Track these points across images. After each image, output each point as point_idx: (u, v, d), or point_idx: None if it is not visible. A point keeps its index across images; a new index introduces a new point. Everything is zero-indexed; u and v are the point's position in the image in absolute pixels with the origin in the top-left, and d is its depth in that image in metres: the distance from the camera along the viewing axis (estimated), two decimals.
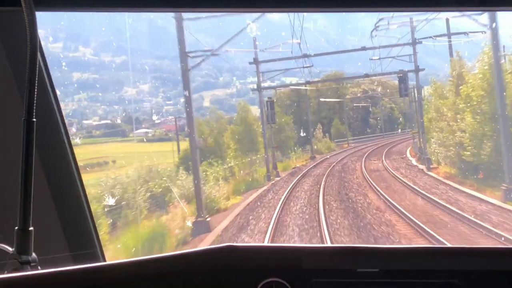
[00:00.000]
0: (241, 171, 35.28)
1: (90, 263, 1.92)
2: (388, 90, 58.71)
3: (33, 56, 1.76)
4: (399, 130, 61.28)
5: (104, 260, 2.74)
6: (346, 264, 1.99)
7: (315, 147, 48.72)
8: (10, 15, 2.19)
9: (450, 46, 33.23)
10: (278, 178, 34.55)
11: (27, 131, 1.76)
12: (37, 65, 1.78)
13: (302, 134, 48.73)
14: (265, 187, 30.87)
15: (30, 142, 1.76)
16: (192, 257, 2.01)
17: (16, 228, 1.75)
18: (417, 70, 36.42)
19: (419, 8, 2.17)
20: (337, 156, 44.52)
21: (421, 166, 32.29)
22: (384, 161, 37.21)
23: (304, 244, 2.31)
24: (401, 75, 37.03)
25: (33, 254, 1.77)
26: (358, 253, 2.04)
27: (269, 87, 43.52)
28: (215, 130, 38.30)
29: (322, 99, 54.40)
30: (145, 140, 44.31)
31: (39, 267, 1.77)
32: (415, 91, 38.36)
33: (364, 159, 39.34)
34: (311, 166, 38.76)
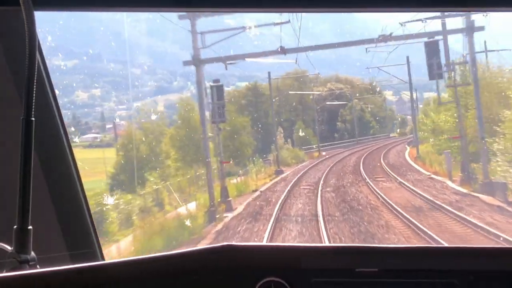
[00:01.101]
0: (171, 201, 24.34)
1: (88, 262, 1.92)
2: (357, 89, 53.73)
3: (32, 56, 1.76)
4: (384, 135, 55.60)
5: (103, 259, 2.74)
6: (345, 263, 1.99)
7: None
8: (9, 14, 2.19)
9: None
10: (228, 216, 20.91)
11: (26, 130, 1.76)
12: (36, 65, 1.78)
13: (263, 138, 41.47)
14: (201, 244, 17.43)
15: (28, 142, 1.76)
16: (190, 257, 2.01)
17: (15, 227, 1.75)
18: (471, 28, 23.97)
19: (419, 9, 2.17)
20: (314, 171, 33.73)
21: (485, 198, 19.26)
22: (400, 184, 25.54)
23: (303, 244, 2.31)
24: (432, 40, 24.53)
25: (32, 253, 1.77)
26: (357, 253, 2.04)
27: (213, 59, 28.05)
28: (152, 134, 29.34)
29: (291, 92, 47.77)
30: (92, 145, 40.34)
31: (37, 266, 1.77)
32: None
33: (362, 176, 28.89)
34: (281, 187, 27.70)
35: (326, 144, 49.23)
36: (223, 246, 2.01)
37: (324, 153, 45.79)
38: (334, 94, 52.36)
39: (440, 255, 2.00)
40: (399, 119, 59.18)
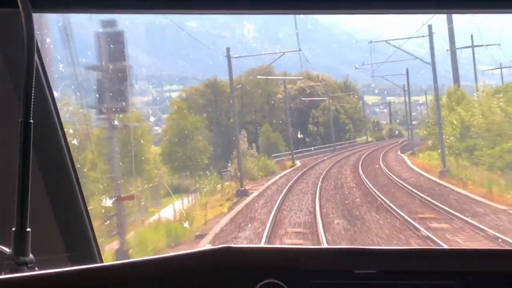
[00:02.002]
0: None
1: (87, 264, 1.93)
2: (331, 88, 47.71)
3: (30, 58, 1.76)
4: (361, 139, 50.55)
5: (101, 261, 2.74)
6: (343, 265, 1.99)
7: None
8: (8, 16, 2.19)
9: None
10: None
11: (24, 132, 1.76)
12: (34, 67, 1.78)
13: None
14: None
15: (27, 144, 1.76)
16: (189, 259, 2.01)
17: (13, 229, 1.75)
18: None
19: (418, 10, 2.17)
20: (297, 192, 22.78)
21: None
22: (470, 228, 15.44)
23: (301, 246, 2.31)
24: None
25: (30, 255, 1.77)
26: (356, 255, 2.04)
27: None
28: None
29: (259, 89, 42.58)
30: None
31: (36, 268, 1.77)
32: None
33: (393, 212, 17.52)
34: (249, 231, 16.39)
35: (298, 151, 41.64)
36: (221, 248, 2.01)
37: (298, 163, 37.44)
38: (305, 92, 46.05)
39: (438, 256, 2.00)
40: (375, 122, 54.34)
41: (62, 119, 2.54)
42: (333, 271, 1.98)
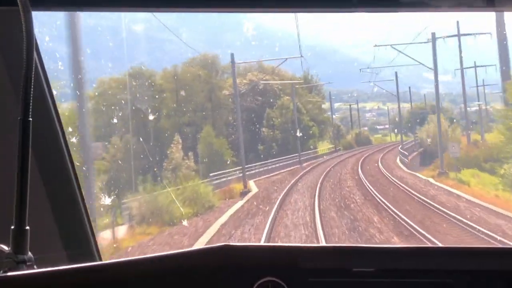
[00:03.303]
0: None
1: (86, 262, 1.93)
2: (288, 84, 38.79)
3: (30, 56, 1.76)
4: (329, 147, 42.52)
5: (100, 260, 2.74)
6: (342, 263, 1.99)
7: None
8: (6, 14, 2.19)
9: None
10: None
11: (23, 130, 1.76)
12: (34, 65, 1.78)
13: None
14: None
15: (26, 142, 1.76)
16: (188, 257, 2.01)
17: (12, 227, 1.75)
18: None
19: (419, 9, 2.18)
20: None
21: None
22: None
23: (300, 244, 2.32)
24: None
25: (29, 254, 1.77)
26: (354, 253, 2.05)
27: None
28: None
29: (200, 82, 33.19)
30: None
31: (35, 267, 1.77)
32: None
33: None
34: None
35: (251, 165, 31.14)
36: (220, 246, 2.02)
37: (252, 186, 25.78)
38: (257, 88, 37.11)
39: (437, 255, 2.01)
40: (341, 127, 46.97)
41: (61, 117, 2.54)
42: (331, 269, 1.99)
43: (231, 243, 2.04)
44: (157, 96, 30.41)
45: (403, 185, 23.07)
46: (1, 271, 1.72)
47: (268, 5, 2.11)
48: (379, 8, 2.14)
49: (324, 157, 39.06)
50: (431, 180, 23.95)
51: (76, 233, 2.61)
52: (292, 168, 32.98)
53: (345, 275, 1.96)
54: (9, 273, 1.70)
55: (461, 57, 34.65)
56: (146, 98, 29.16)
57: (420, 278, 1.93)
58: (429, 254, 2.02)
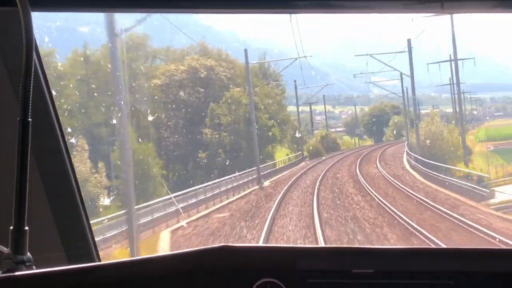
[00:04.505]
0: None
1: (84, 263, 1.93)
2: (240, 73, 30.21)
3: (29, 56, 1.76)
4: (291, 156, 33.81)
5: (99, 260, 2.74)
6: (341, 264, 1.99)
7: None
8: (6, 15, 2.19)
9: None
10: None
11: (23, 131, 1.76)
12: (33, 65, 1.78)
13: None
14: None
15: (25, 142, 1.76)
16: (186, 258, 2.01)
17: (11, 228, 1.75)
18: None
19: (419, 10, 2.18)
20: None
21: None
22: None
23: (299, 245, 2.32)
24: None
25: (28, 254, 1.77)
26: (353, 254, 2.05)
27: None
28: None
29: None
30: None
31: (34, 267, 1.77)
32: None
33: None
34: None
35: (189, 190, 21.60)
36: (219, 247, 2.02)
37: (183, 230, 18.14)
38: (198, 77, 28.05)
39: (437, 256, 2.01)
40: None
41: (60, 118, 2.54)
42: (331, 270, 1.99)
43: (229, 244, 2.04)
44: (58, 88, 22.16)
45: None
46: (0, 272, 1.72)
47: (265, 6, 2.11)
48: (379, 10, 2.14)
49: (290, 169, 28.39)
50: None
51: (75, 234, 2.61)
52: (247, 192, 22.81)
53: (345, 277, 1.96)
54: (9, 274, 1.70)
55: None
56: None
57: (420, 280, 1.93)
58: (429, 256, 2.01)
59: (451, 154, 31.56)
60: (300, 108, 40.93)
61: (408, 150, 35.24)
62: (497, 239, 15.28)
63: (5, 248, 1.76)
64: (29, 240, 1.77)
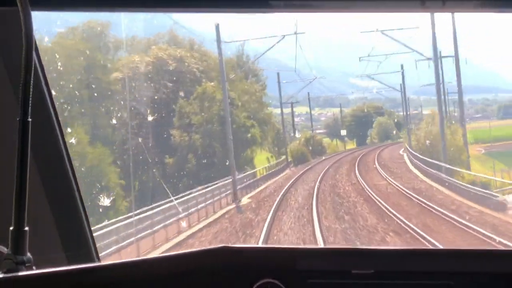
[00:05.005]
0: None
1: (84, 263, 1.93)
2: (214, 66, 25.79)
3: (29, 56, 1.76)
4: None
5: (99, 261, 2.74)
6: (341, 265, 1.99)
7: None
8: (6, 14, 2.18)
9: None
10: None
11: (22, 131, 1.76)
12: (33, 65, 1.78)
13: None
14: None
15: (25, 142, 1.76)
16: (187, 259, 2.01)
17: (11, 228, 1.75)
18: None
19: (418, 9, 2.18)
20: None
21: None
22: None
23: (298, 245, 2.32)
24: None
25: (28, 254, 1.77)
26: (353, 255, 2.05)
27: None
28: None
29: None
30: None
31: (34, 267, 1.77)
32: None
33: None
34: None
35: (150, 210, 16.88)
36: (218, 248, 2.01)
37: None
38: (166, 69, 24.38)
39: (436, 257, 2.01)
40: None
41: (60, 118, 2.54)
42: (330, 271, 1.99)
43: (229, 245, 2.04)
44: None
45: None
46: (0, 272, 1.72)
47: (263, 5, 2.11)
48: (378, 9, 2.14)
49: (274, 179, 23.37)
50: None
51: (75, 234, 2.61)
52: (219, 216, 18.28)
53: (345, 277, 1.96)
54: (8, 274, 1.70)
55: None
56: None
57: (420, 280, 1.93)
58: (429, 256, 2.01)
59: (456, 157, 28.36)
60: (279, 110, 36.93)
61: (409, 153, 32.66)
62: (497, 240, 15.26)
63: (5, 249, 1.76)
64: (29, 240, 1.76)
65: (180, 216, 17.19)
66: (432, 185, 23.07)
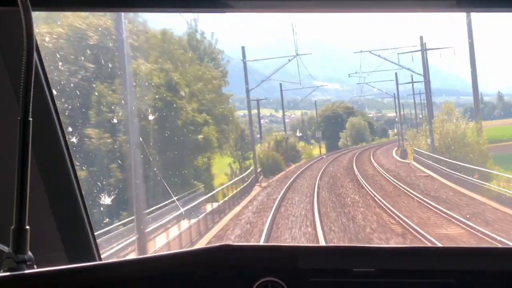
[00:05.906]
0: None
1: (85, 262, 1.93)
2: (154, 44, 19.52)
3: (30, 56, 1.76)
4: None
5: (100, 260, 2.74)
6: (342, 263, 1.99)
7: None
8: (6, 14, 2.19)
9: None
10: None
11: (23, 130, 1.76)
12: (34, 65, 1.78)
13: None
14: None
15: (26, 142, 1.76)
16: (188, 257, 2.01)
17: (12, 227, 1.75)
18: None
19: (418, 9, 2.18)
20: None
21: None
22: None
23: (300, 244, 2.32)
24: None
25: (29, 253, 1.77)
26: (354, 253, 2.05)
27: None
28: None
29: None
30: None
31: (35, 266, 1.77)
32: None
33: None
34: None
35: None
36: (220, 246, 2.02)
37: None
38: (85, 44, 17.67)
39: (437, 255, 2.01)
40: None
41: (61, 117, 2.54)
42: (331, 269, 1.99)
43: (230, 243, 2.05)
44: None
45: None
46: (1, 271, 1.72)
47: (265, 6, 2.11)
48: (378, 9, 2.14)
49: (242, 204, 17.26)
50: None
51: (76, 233, 2.61)
52: None
53: (346, 275, 1.96)
54: (9, 273, 1.70)
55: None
56: None
57: (421, 278, 1.93)
58: (430, 254, 2.01)
59: (480, 162, 23.99)
60: (242, 112, 32.25)
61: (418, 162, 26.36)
62: (498, 239, 15.26)
63: (6, 247, 1.76)
64: (30, 239, 1.77)
65: None
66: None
